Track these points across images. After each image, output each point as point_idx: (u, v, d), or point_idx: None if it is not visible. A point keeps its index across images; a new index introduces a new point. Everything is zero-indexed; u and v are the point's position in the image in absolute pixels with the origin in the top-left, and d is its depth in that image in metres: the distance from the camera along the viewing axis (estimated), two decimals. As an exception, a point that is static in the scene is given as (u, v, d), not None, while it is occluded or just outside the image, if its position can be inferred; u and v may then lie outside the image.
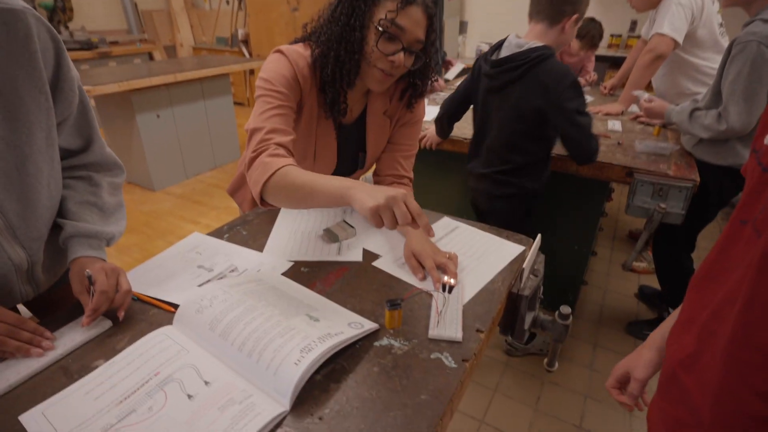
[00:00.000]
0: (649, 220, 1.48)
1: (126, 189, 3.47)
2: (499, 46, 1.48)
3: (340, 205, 0.72)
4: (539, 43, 1.37)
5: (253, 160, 0.84)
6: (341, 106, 0.96)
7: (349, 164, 1.14)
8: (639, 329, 1.97)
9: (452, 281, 0.73)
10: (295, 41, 0.99)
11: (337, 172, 1.12)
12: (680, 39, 1.84)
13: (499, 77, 1.43)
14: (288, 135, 0.88)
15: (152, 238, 2.83)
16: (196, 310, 0.71)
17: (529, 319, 0.91)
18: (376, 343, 0.70)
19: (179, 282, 0.85)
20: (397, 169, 1.12)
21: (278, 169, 0.80)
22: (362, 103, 1.05)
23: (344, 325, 0.70)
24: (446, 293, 0.74)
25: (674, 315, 0.68)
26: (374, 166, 1.17)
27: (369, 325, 0.72)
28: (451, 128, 1.78)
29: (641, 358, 0.72)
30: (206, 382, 0.61)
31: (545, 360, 1.03)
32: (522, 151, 1.48)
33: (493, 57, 1.46)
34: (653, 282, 2.27)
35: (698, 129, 1.50)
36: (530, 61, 1.35)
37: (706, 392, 0.52)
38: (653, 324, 1.97)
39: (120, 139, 3.35)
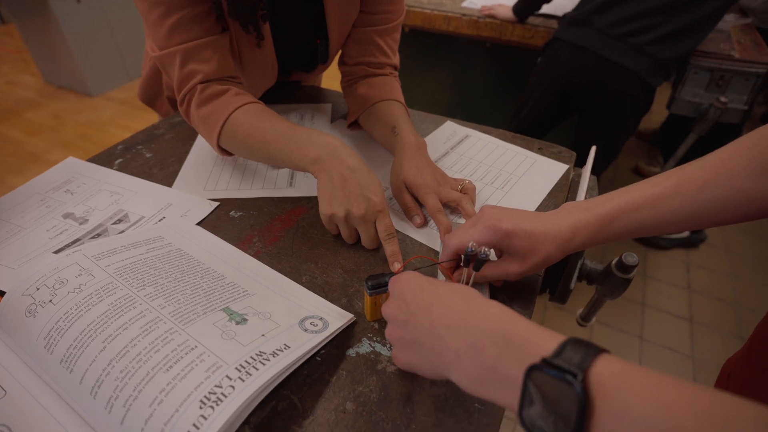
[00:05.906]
0: (700, 118, 1.16)
1: (56, 95, 2.92)
2: None
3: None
4: None
5: (186, 112, 0.62)
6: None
7: (301, 60, 0.75)
8: (656, 238, 1.75)
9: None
10: None
11: (283, 76, 0.75)
12: None
13: None
14: (209, 51, 0.58)
15: (92, 154, 2.41)
16: (26, 310, 0.40)
17: (575, 271, 0.63)
18: (351, 351, 0.41)
19: (27, 243, 0.52)
20: (374, 54, 0.72)
21: (221, 127, 0.58)
22: None
23: (293, 326, 0.40)
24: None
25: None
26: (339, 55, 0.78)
27: (337, 321, 0.42)
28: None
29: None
30: (21, 468, 0.32)
31: (579, 312, 0.78)
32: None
33: None
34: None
35: None
36: None
37: None
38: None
39: (36, 33, 2.73)
